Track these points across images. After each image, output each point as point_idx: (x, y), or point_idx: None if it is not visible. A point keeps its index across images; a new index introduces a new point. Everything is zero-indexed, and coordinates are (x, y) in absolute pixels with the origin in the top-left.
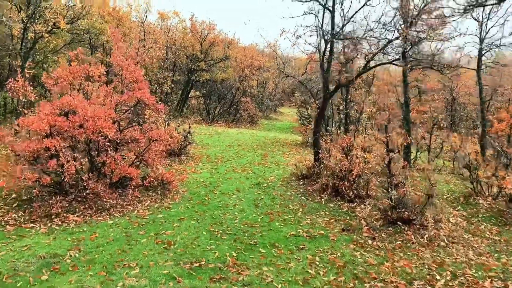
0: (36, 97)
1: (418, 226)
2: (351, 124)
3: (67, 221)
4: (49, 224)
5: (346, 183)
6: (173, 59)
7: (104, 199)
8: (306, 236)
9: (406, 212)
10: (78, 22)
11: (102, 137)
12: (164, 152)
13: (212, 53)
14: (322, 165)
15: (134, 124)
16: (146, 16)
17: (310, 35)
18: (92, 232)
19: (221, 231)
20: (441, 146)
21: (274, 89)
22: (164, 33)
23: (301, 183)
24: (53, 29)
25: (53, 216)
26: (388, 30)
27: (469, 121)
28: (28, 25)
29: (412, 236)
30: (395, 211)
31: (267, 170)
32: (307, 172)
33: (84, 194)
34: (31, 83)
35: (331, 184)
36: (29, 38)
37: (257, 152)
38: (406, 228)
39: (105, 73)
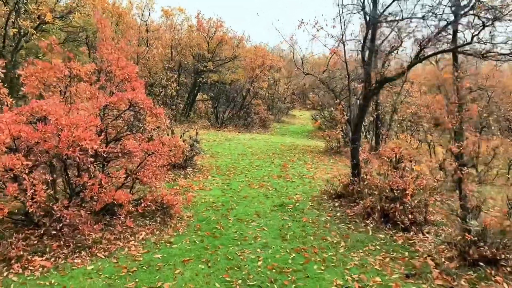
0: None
1: (510, 269)
2: (382, 128)
3: (32, 267)
4: (5, 274)
5: (398, 206)
6: (178, 60)
7: (85, 233)
8: (359, 287)
9: (491, 249)
10: (72, 18)
11: (82, 152)
12: (165, 167)
13: (220, 52)
14: (363, 182)
15: (124, 133)
16: (149, 14)
17: (333, 26)
18: (61, 287)
19: (240, 281)
20: (493, 153)
21: (285, 91)
22: (168, 31)
23: (336, 204)
24: (41, 24)
25: (12, 261)
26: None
27: (506, 123)
28: (12, 20)
29: (505, 285)
30: (476, 247)
31: (290, 186)
32: (344, 190)
33: (59, 227)
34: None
35: (378, 207)
36: (11, 34)
37: (275, 162)
38: (493, 272)
39: (95, 71)
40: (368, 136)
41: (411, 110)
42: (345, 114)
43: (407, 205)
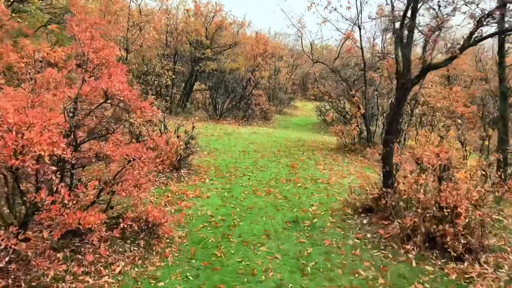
0: None
1: None
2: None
3: None
4: None
5: (449, 228)
6: (174, 46)
7: (42, 269)
8: None
9: None
10: None
11: (37, 161)
12: (153, 174)
13: (219, 39)
14: (398, 194)
15: (95, 135)
16: None
17: (348, 8)
18: None
19: None
20: None
21: (287, 81)
22: (163, 15)
23: (364, 221)
24: (15, 2)
25: None
26: None
27: None
28: None
29: None
30: None
31: (303, 193)
32: (372, 204)
33: (5, 261)
34: None
35: (422, 228)
36: None
37: (282, 161)
38: None
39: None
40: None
41: (441, 102)
42: (361, 107)
43: (460, 227)
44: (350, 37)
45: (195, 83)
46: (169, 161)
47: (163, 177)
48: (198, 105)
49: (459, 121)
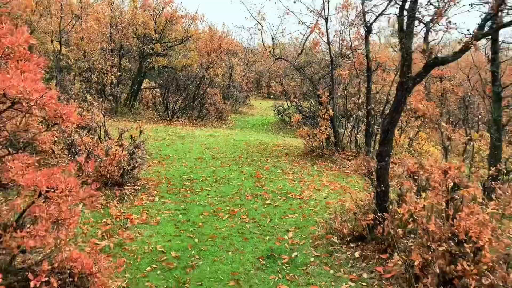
0: None
1: None
2: (374, 126)
3: None
4: None
5: (470, 267)
6: (119, 40)
7: None
8: None
9: None
10: None
11: None
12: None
13: (170, 33)
14: (396, 219)
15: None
16: None
17: None
18: None
19: None
20: None
21: (242, 79)
22: (107, 6)
23: (356, 254)
24: None
25: None
26: None
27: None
28: None
29: None
30: None
31: (274, 213)
32: (364, 232)
33: None
34: None
35: (437, 269)
36: None
37: (245, 171)
38: None
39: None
40: (357, 135)
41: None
42: (329, 108)
43: (484, 265)
44: (317, 30)
45: (144, 81)
46: (112, 168)
47: (102, 195)
48: (148, 104)
49: (444, 124)
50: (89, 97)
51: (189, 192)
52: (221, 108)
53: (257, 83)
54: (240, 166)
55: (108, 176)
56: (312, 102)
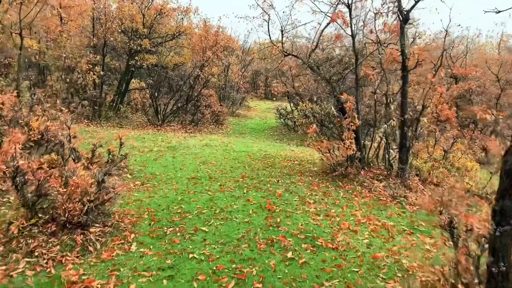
0: None
1: None
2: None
3: None
4: None
5: None
6: (102, 36)
7: None
8: None
9: None
10: None
11: None
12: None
13: (160, 27)
14: None
15: None
16: None
17: None
18: None
19: None
20: None
21: (240, 78)
22: None
23: None
24: None
25: None
26: None
27: None
28: None
29: None
30: None
31: (301, 278)
32: None
33: None
34: None
35: None
36: None
37: (251, 198)
38: None
39: None
40: (389, 151)
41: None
42: (356, 117)
43: None
44: (340, 18)
45: (132, 81)
46: (71, 206)
47: (56, 245)
48: (137, 107)
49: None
50: (58, 102)
51: (179, 234)
52: (217, 111)
53: (253, 83)
54: (245, 191)
55: (66, 216)
56: (324, 106)
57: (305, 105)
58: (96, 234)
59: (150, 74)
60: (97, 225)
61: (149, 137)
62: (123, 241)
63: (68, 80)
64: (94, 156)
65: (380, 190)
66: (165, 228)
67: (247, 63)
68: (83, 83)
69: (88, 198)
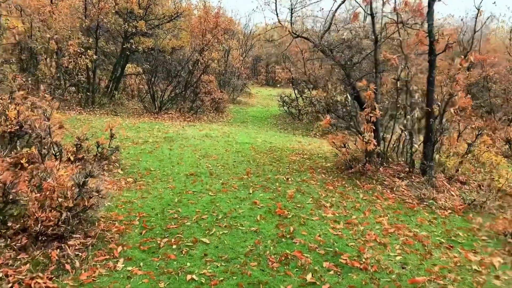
0: None
1: None
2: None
3: None
4: None
5: None
6: (95, 17)
7: None
8: None
9: None
10: None
11: None
12: None
13: (157, 8)
14: None
15: None
16: None
17: None
18: None
19: None
20: None
21: (241, 64)
22: None
23: None
24: None
25: None
26: None
27: None
28: None
29: None
30: None
31: None
32: None
33: None
34: None
35: None
36: None
37: (258, 200)
38: None
39: None
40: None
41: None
42: (377, 107)
43: None
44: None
45: (128, 66)
46: (44, 225)
47: (25, 263)
48: (132, 93)
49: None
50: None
51: (174, 247)
52: (217, 98)
53: (254, 69)
54: (251, 192)
55: (39, 227)
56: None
57: (317, 93)
58: (76, 248)
59: (147, 58)
60: (78, 236)
61: (144, 127)
62: (107, 257)
63: (56, 64)
64: (78, 151)
65: (403, 190)
66: (159, 239)
67: (248, 47)
68: (75, 67)
69: (66, 204)
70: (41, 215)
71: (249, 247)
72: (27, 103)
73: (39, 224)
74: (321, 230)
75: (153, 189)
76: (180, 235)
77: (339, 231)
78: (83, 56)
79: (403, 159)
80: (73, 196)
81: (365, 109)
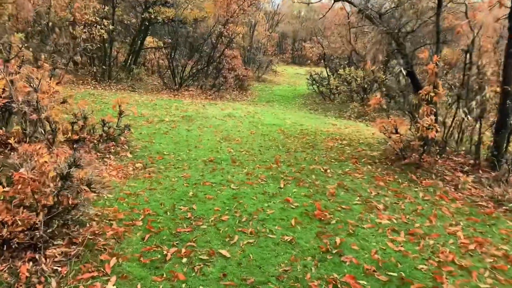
0: None
1: None
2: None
3: None
4: None
5: None
6: None
7: None
8: None
9: None
10: None
11: None
12: None
13: None
14: None
15: None
16: None
17: None
18: None
19: None
20: None
21: (268, 39)
22: None
23: None
24: None
25: None
26: None
27: None
28: None
29: None
30: None
31: None
32: None
33: None
34: None
35: None
36: None
37: (290, 196)
38: None
39: None
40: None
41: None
42: (440, 84)
43: None
44: None
45: (147, 39)
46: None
47: None
48: (152, 68)
49: None
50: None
51: (185, 261)
52: (241, 75)
53: (280, 46)
54: (282, 186)
55: (6, 233)
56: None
57: (354, 71)
58: (55, 260)
59: (168, 32)
60: (59, 243)
61: (161, 104)
62: (95, 273)
63: (71, 35)
64: (75, 131)
65: (469, 188)
66: (166, 248)
67: (275, 22)
68: (89, 38)
69: (45, 202)
70: (7, 218)
71: (282, 265)
72: (20, 73)
73: (5, 229)
74: (377, 243)
75: (164, 178)
76: (192, 243)
77: (401, 246)
78: (98, 26)
79: (463, 148)
80: (57, 190)
81: (425, 87)
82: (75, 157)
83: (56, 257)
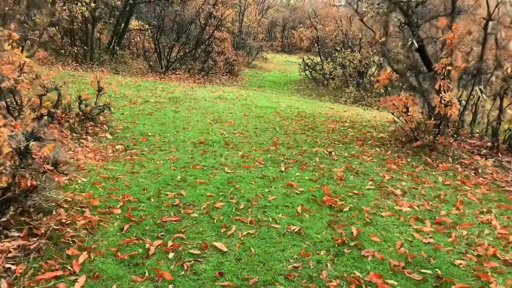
0: None
1: None
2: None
3: None
4: None
5: None
6: None
7: None
8: None
9: None
10: None
11: None
12: None
13: None
14: None
15: None
16: None
17: None
18: None
19: None
20: None
21: (257, 24)
22: None
23: None
24: None
25: None
26: None
27: None
28: None
29: None
30: None
31: None
32: None
33: None
34: None
35: None
36: None
37: (293, 179)
38: None
39: None
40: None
41: None
42: (459, 56)
43: None
44: None
45: (133, 20)
46: None
47: None
48: (138, 51)
49: None
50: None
51: (172, 256)
52: (231, 59)
53: (269, 33)
54: (283, 169)
55: None
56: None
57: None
58: (9, 256)
59: (154, 13)
60: (16, 234)
61: (146, 85)
62: (60, 272)
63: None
64: (41, 104)
65: (490, 172)
66: (148, 240)
67: (265, 7)
68: (69, 16)
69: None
70: None
71: (291, 261)
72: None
73: None
74: (400, 234)
75: (148, 160)
76: (181, 234)
77: (430, 237)
78: (78, 2)
79: (477, 131)
80: (12, 168)
81: (442, 60)
82: (34, 128)
83: (11, 252)
